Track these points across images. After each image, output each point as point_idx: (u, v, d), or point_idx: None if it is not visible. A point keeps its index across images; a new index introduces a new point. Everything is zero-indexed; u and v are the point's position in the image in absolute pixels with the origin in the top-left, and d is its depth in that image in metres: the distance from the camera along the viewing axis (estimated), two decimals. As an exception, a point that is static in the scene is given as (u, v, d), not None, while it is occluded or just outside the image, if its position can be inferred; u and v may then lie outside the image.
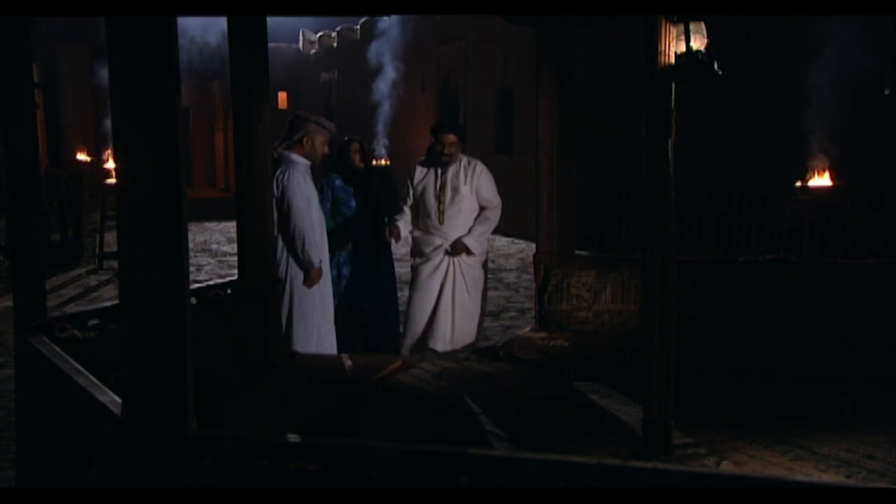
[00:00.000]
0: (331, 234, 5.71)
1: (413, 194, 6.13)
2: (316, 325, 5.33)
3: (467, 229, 6.04)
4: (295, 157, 5.21)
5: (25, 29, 3.68)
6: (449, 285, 6.02)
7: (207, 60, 15.62)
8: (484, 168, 6.11)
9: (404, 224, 6.11)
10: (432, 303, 6.02)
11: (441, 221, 6.01)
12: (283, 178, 5.13)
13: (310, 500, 2.42)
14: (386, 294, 6.17)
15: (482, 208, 6.09)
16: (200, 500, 2.46)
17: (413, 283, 6.15)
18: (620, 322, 5.32)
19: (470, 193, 6.02)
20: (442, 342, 5.99)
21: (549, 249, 5.57)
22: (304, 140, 5.23)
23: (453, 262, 6.02)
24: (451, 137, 5.99)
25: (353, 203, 6.03)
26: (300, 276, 5.25)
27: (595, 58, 10.10)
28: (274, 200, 5.01)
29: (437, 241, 6.04)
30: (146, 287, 2.51)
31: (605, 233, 12.46)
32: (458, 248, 6.00)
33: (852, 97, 9.62)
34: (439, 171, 6.06)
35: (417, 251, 6.16)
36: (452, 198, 6.00)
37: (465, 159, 6.08)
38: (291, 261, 5.22)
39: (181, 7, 2.47)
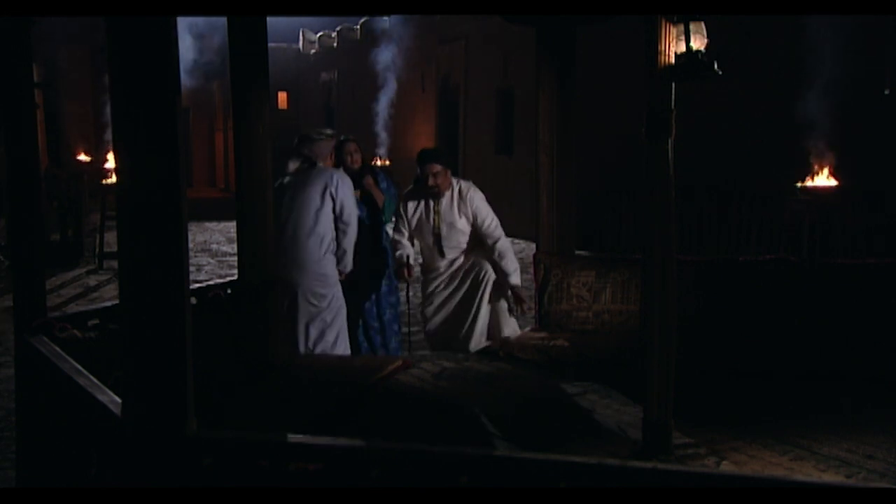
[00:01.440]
0: None
1: (409, 227, 5.91)
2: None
3: (465, 245, 5.83)
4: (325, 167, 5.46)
5: (25, 29, 3.68)
6: (468, 289, 5.81)
7: (207, 60, 15.62)
8: (476, 194, 5.80)
9: (412, 257, 5.90)
10: (457, 311, 5.81)
11: (442, 255, 5.84)
12: (332, 183, 5.32)
13: (310, 500, 2.42)
14: (384, 294, 6.17)
15: (488, 239, 5.77)
16: (200, 500, 2.46)
17: (431, 298, 5.92)
18: (620, 322, 5.32)
19: (466, 224, 5.79)
20: (476, 342, 5.75)
21: (549, 249, 5.58)
22: (332, 154, 5.56)
23: (463, 270, 5.83)
24: (436, 167, 5.69)
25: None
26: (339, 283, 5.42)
27: (595, 58, 10.09)
28: (322, 203, 5.20)
29: (444, 265, 5.86)
30: (146, 287, 2.51)
31: (605, 233, 12.46)
32: (518, 297, 5.73)
33: (852, 97, 9.62)
34: (431, 203, 5.81)
35: (427, 274, 5.99)
36: (448, 232, 5.79)
37: (456, 186, 5.80)
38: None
39: (181, 7, 2.47)
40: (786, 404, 4.12)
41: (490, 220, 5.79)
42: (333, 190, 5.31)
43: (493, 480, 2.37)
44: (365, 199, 6.09)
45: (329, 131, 5.68)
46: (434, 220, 5.80)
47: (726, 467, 3.35)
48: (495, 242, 5.77)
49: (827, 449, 3.53)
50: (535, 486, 2.33)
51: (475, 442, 3.64)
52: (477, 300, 5.76)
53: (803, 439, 3.62)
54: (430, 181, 5.69)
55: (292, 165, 5.43)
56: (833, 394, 4.23)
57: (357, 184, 6.10)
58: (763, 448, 3.54)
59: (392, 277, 6.22)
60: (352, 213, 5.38)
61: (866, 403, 4.10)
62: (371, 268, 6.08)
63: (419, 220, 5.87)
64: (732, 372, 4.52)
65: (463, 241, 5.84)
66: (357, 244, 5.78)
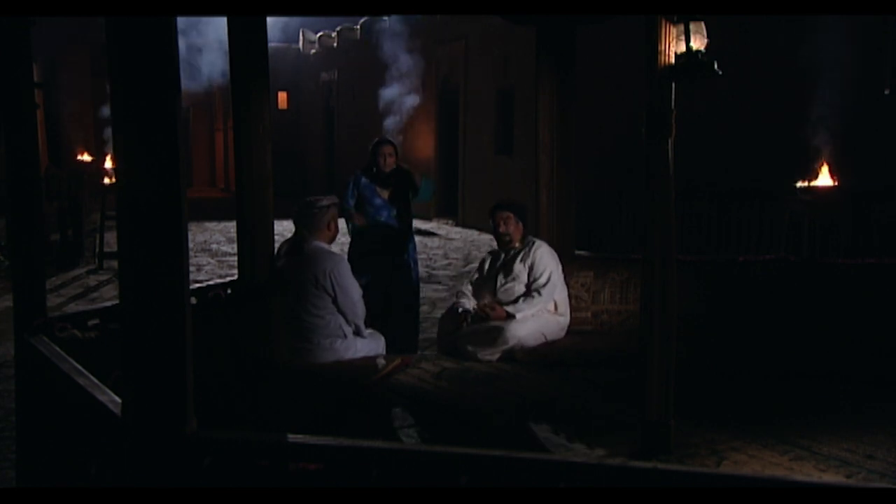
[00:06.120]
0: (363, 235, 6.11)
1: (479, 273, 5.51)
2: None
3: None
4: (325, 245, 4.89)
5: (25, 29, 3.68)
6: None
7: (207, 60, 15.61)
8: (545, 250, 5.31)
9: (468, 302, 5.35)
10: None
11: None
12: (335, 275, 4.77)
13: (310, 500, 2.42)
14: (409, 292, 6.20)
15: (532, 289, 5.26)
16: (200, 500, 2.46)
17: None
18: (620, 322, 5.32)
19: (528, 279, 5.28)
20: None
21: (548, 249, 5.56)
22: (330, 225, 4.94)
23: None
24: (505, 214, 5.33)
25: (378, 201, 6.12)
26: None
27: (595, 58, 10.09)
28: (320, 288, 4.72)
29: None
30: (146, 287, 2.51)
31: (605, 233, 12.45)
32: (498, 312, 5.17)
33: (852, 97, 9.62)
34: (503, 254, 5.41)
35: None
36: (508, 285, 5.29)
37: (530, 244, 5.34)
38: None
39: (181, 7, 2.47)
40: (786, 404, 4.12)
41: (545, 279, 5.20)
42: (321, 279, 4.77)
43: (492, 480, 2.37)
44: (393, 199, 6.14)
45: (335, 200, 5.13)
46: (497, 267, 5.37)
47: (726, 467, 3.35)
48: (535, 293, 5.21)
49: (827, 449, 3.53)
50: (534, 486, 2.33)
51: (475, 442, 3.63)
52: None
53: (803, 439, 3.62)
54: (502, 228, 5.33)
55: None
56: (833, 394, 4.23)
57: (387, 184, 6.15)
58: (763, 448, 3.54)
59: (417, 276, 6.32)
60: (358, 301, 4.88)
61: (866, 403, 4.09)
62: (395, 264, 6.13)
63: (486, 272, 5.45)
64: (732, 372, 4.52)
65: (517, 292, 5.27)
66: (385, 241, 5.79)
